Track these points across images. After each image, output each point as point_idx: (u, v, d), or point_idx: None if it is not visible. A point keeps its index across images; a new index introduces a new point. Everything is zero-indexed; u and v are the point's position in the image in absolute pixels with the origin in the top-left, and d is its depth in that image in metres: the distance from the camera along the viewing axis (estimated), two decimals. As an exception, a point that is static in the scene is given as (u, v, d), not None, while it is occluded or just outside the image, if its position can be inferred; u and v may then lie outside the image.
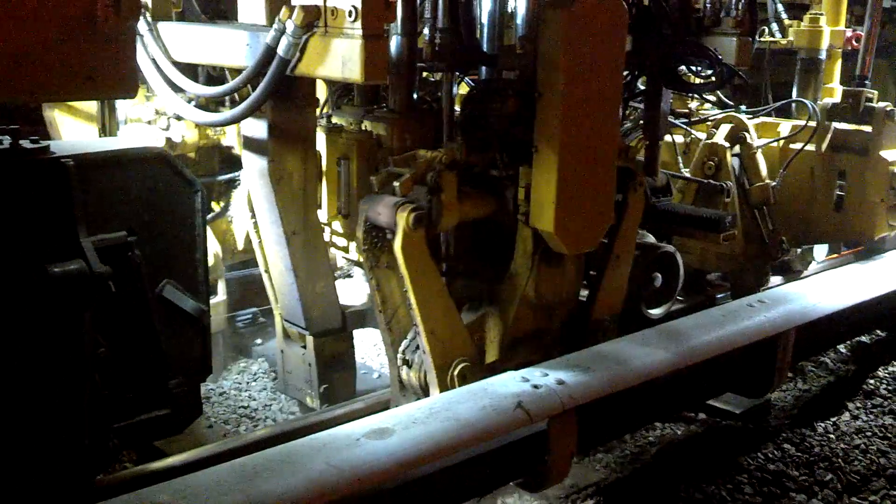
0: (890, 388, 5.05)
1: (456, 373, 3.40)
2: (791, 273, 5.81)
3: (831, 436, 4.51)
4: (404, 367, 3.53)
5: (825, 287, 4.87)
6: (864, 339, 5.76)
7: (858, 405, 4.87)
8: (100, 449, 2.70)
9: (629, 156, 3.91)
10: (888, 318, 5.58)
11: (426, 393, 3.44)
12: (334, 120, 3.82)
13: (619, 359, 3.63)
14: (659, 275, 4.60)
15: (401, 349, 3.52)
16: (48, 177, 2.51)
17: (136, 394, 2.85)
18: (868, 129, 5.32)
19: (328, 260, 3.70)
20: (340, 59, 2.99)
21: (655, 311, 4.72)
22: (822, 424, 4.62)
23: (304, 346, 4.03)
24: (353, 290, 3.89)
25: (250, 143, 3.50)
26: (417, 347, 3.45)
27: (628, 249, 3.98)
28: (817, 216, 5.52)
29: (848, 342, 5.63)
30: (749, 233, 5.33)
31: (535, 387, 3.31)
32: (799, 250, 5.84)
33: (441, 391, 3.35)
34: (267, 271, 3.85)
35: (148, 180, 2.79)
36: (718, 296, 5.55)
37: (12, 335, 2.42)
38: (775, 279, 5.69)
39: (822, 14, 5.82)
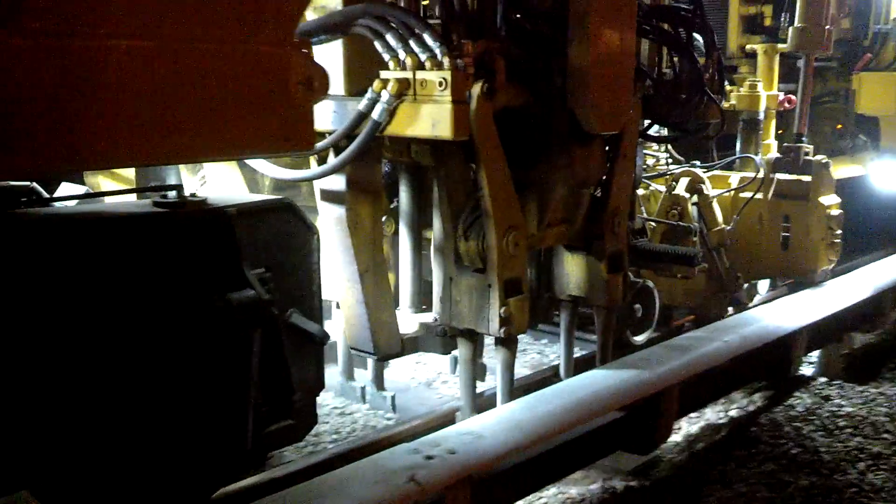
0: (771, 434, 5.19)
1: (510, 238, 3.83)
2: (739, 305, 6.55)
3: (717, 484, 4.59)
4: (462, 240, 3.95)
5: (709, 338, 5.04)
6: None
7: (744, 453, 4.97)
8: (258, 455, 3.14)
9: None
10: (768, 367, 5.81)
11: (483, 263, 3.88)
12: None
13: (510, 422, 3.73)
14: (639, 306, 5.32)
15: (460, 221, 3.95)
16: (219, 223, 2.96)
17: (269, 407, 3.27)
18: (807, 178, 6.13)
19: (392, 294, 4.20)
20: (430, 120, 3.57)
21: (639, 338, 5.42)
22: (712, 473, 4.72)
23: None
24: (407, 321, 4.34)
25: (327, 195, 3.98)
26: (475, 221, 3.89)
27: (632, 149, 4.56)
28: (767, 255, 6.28)
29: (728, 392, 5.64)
30: (709, 271, 6.02)
31: (428, 458, 3.35)
32: (746, 285, 6.62)
33: (499, 255, 3.79)
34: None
35: (278, 226, 3.22)
36: (686, 325, 6.27)
37: (202, 353, 2.85)
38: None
39: (759, 81, 6.71)
